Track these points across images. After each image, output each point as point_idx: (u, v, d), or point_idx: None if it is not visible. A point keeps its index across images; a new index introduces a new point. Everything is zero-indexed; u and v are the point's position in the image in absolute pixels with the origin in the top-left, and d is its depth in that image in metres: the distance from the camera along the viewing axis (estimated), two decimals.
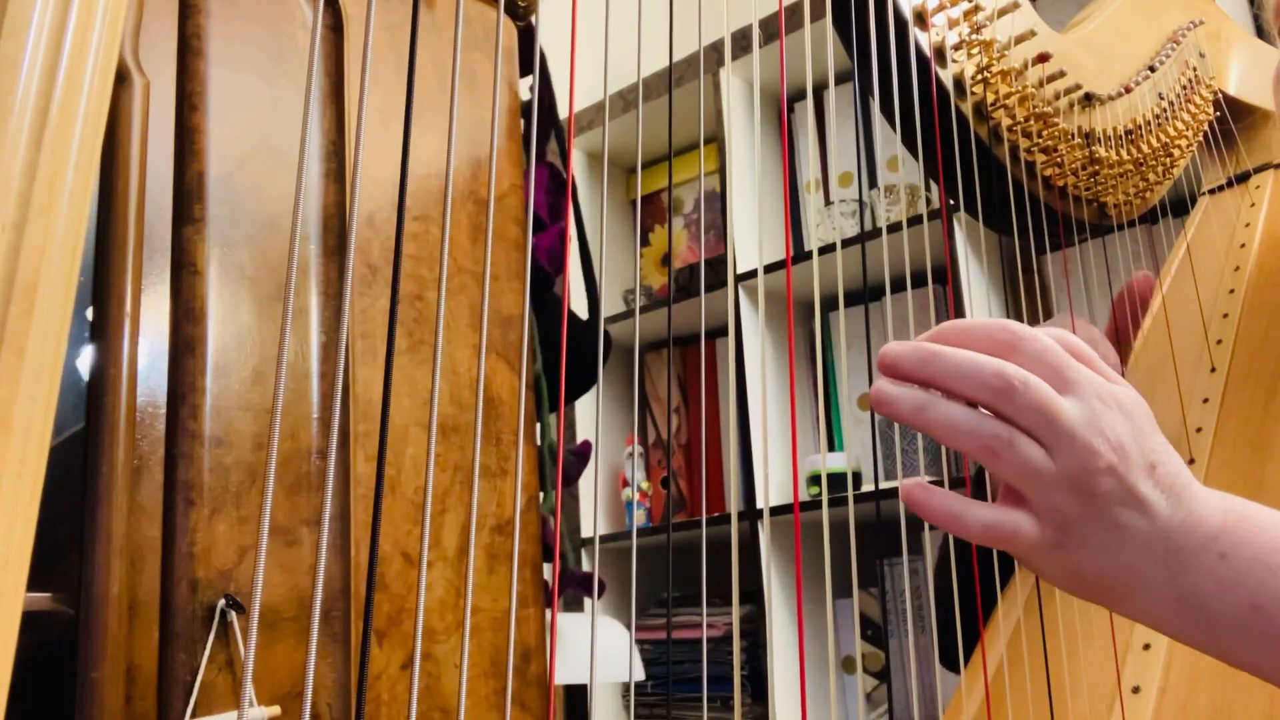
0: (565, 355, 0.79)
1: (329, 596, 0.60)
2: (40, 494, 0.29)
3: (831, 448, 1.87)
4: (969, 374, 0.43)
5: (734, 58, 1.95)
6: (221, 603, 0.55)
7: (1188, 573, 0.44)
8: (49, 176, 0.30)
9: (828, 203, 1.97)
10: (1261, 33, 1.55)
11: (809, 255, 1.84)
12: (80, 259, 0.31)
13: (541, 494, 0.78)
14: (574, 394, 0.85)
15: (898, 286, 1.47)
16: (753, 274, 1.88)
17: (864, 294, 1.78)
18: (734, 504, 0.51)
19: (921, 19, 0.79)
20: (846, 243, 1.80)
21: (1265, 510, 0.46)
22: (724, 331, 2.05)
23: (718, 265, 2.04)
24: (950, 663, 0.86)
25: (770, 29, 1.84)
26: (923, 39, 0.78)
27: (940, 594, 0.94)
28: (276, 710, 0.55)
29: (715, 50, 2.03)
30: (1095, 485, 0.43)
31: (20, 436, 0.29)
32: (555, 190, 0.84)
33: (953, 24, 0.81)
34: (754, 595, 1.77)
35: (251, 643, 0.30)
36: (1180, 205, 1.15)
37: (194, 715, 0.53)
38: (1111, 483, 0.43)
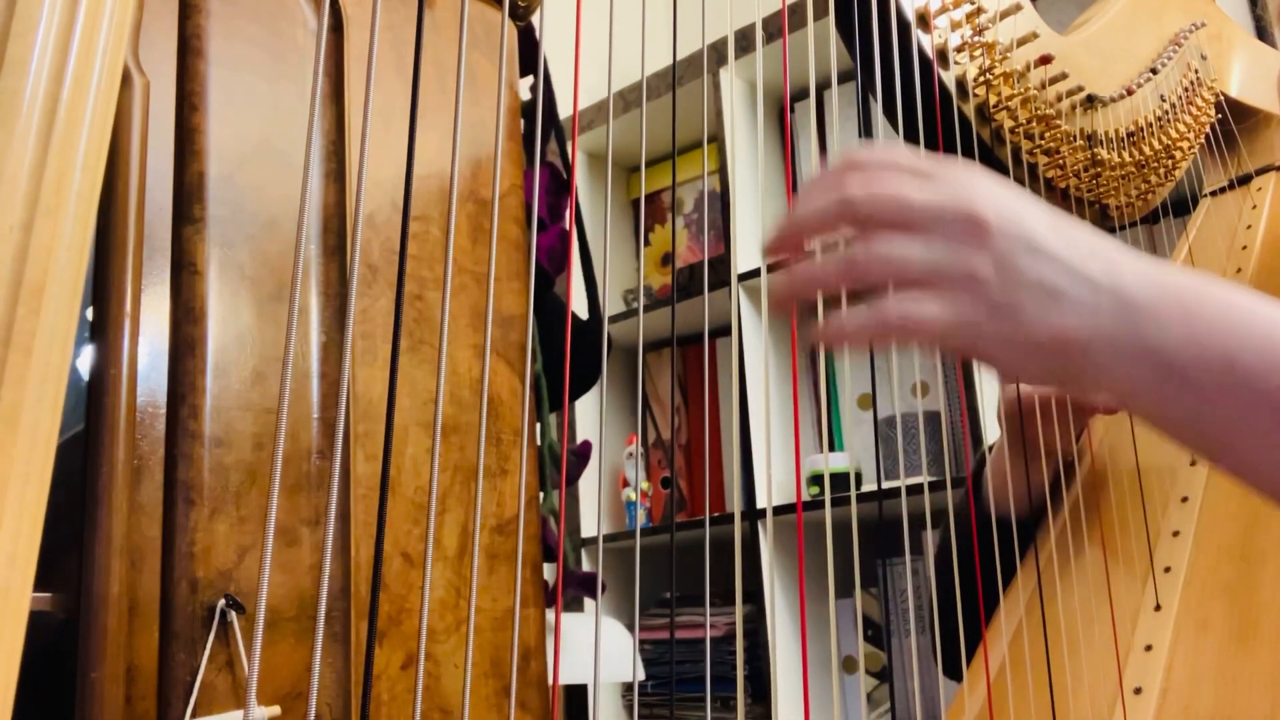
0: (562, 355, 0.79)
1: (329, 596, 0.60)
2: (47, 494, 0.30)
3: (831, 448, 1.87)
4: (817, 211, 0.43)
5: (735, 57, 1.95)
6: (221, 603, 0.55)
7: (1150, 324, 0.41)
8: (56, 178, 0.30)
9: None
10: (1263, 34, 1.54)
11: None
12: (87, 260, 0.31)
13: (541, 494, 0.78)
14: (574, 394, 0.85)
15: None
16: (753, 274, 1.88)
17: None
18: (737, 504, 0.51)
19: (924, 21, 0.79)
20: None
21: (1214, 279, 0.43)
22: (724, 331, 2.05)
23: (718, 265, 2.04)
24: (953, 672, 0.86)
25: (770, 29, 1.83)
26: (925, 41, 0.78)
27: (942, 602, 0.94)
28: (276, 710, 0.55)
29: (716, 50, 2.03)
30: (991, 242, 0.42)
31: (27, 436, 0.29)
32: (555, 190, 0.83)
33: (955, 26, 0.81)
34: (753, 595, 1.77)
35: (257, 643, 0.30)
36: (1181, 205, 1.15)
37: (194, 715, 0.53)
38: (1008, 236, 0.42)
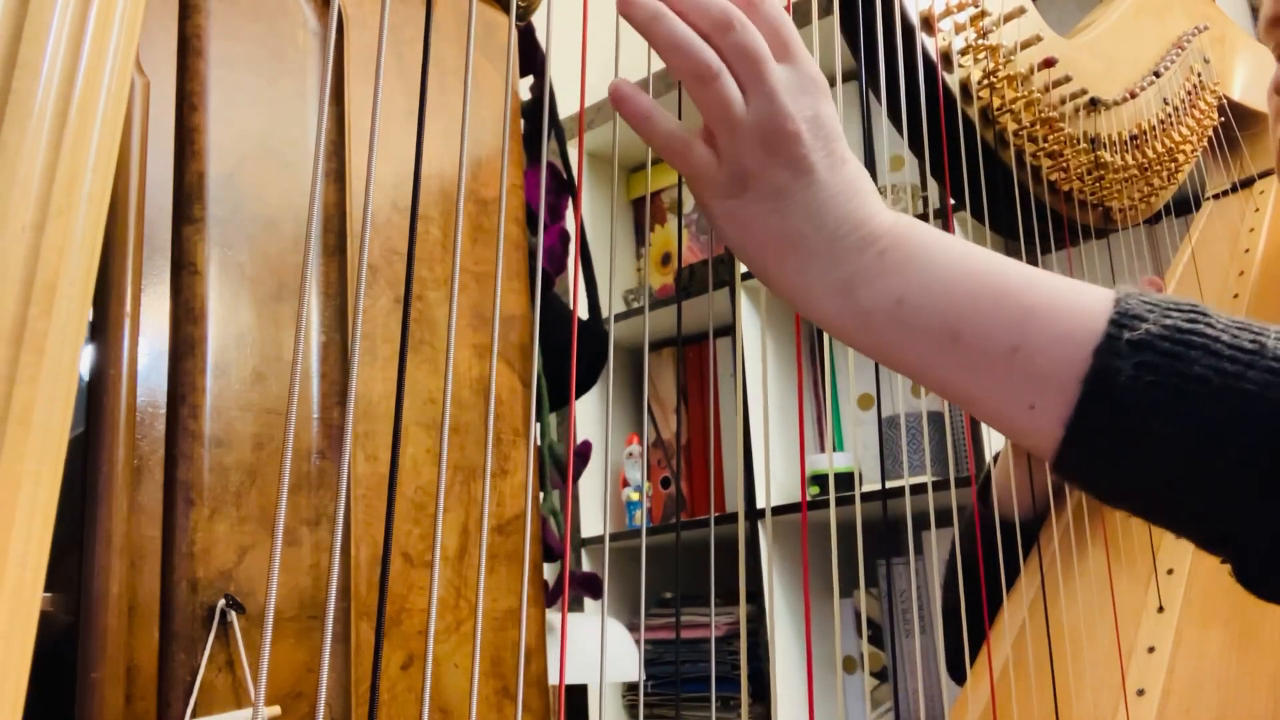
0: (565, 355, 0.79)
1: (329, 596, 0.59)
2: (58, 494, 0.30)
3: (832, 448, 1.87)
4: (700, 3, 0.46)
5: None
6: (221, 603, 0.55)
7: (846, 261, 0.46)
8: (68, 178, 0.30)
9: None
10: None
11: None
12: (98, 260, 0.31)
13: (542, 494, 0.78)
14: (575, 393, 0.84)
15: None
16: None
17: None
18: (740, 504, 0.51)
19: (928, 24, 0.79)
20: None
21: (938, 230, 0.48)
22: (724, 331, 2.05)
23: (718, 265, 2.04)
24: (958, 676, 0.86)
25: None
26: (929, 44, 0.78)
27: (948, 608, 0.94)
28: (276, 710, 0.55)
29: None
30: (778, 146, 0.46)
31: (39, 435, 0.29)
32: (555, 190, 0.83)
33: (959, 29, 0.81)
34: (752, 595, 1.77)
35: (267, 642, 0.30)
36: (1182, 205, 1.15)
37: (194, 715, 0.53)
38: (792, 149, 0.46)
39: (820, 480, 1.77)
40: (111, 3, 0.32)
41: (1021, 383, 0.43)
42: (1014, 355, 0.43)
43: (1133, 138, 0.94)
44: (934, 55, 0.79)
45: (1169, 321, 0.41)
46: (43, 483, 0.29)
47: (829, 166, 0.47)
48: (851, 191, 0.47)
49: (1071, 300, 0.44)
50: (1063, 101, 0.88)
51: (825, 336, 1.92)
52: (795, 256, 0.47)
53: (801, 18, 1.85)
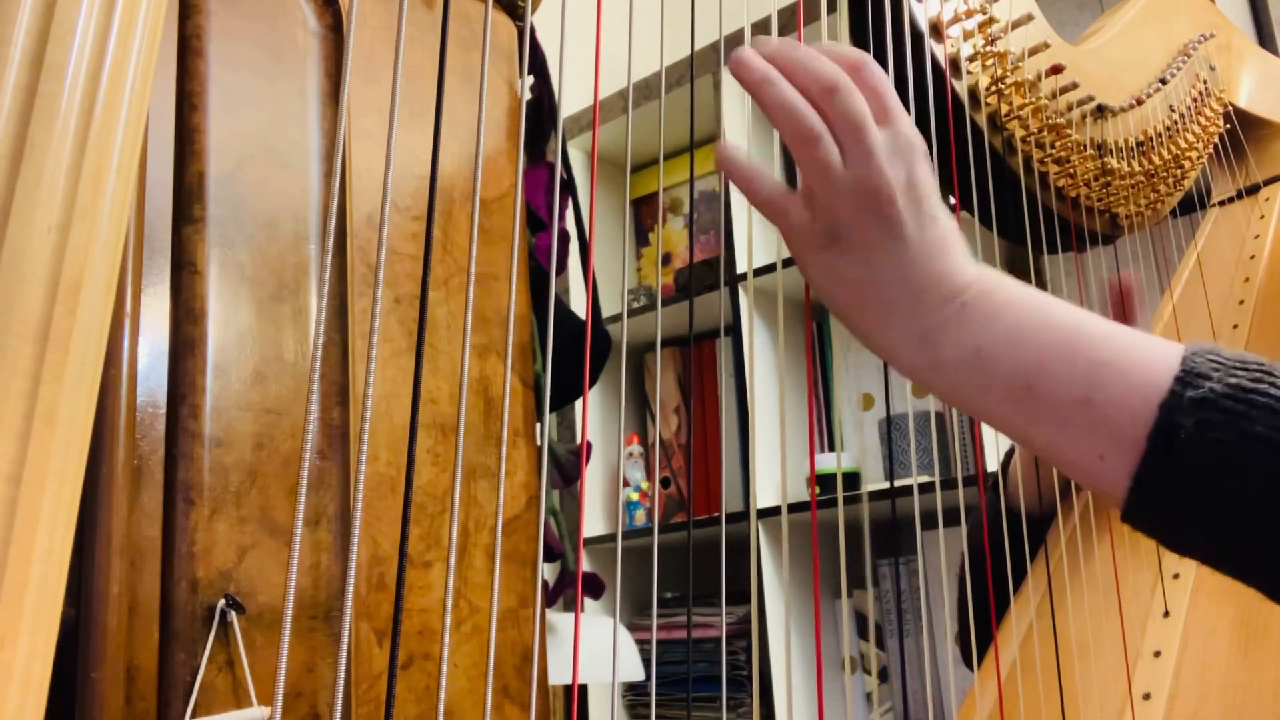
0: (564, 356, 0.79)
1: (330, 596, 0.59)
2: (80, 491, 0.30)
3: (832, 448, 1.87)
4: (809, 67, 0.49)
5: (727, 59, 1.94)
6: (221, 603, 0.55)
7: (929, 313, 0.48)
8: (92, 179, 0.31)
9: None
10: (1264, 41, 1.54)
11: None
12: (120, 260, 0.32)
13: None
14: (573, 395, 0.84)
15: None
16: (755, 273, 1.88)
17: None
18: (752, 504, 0.51)
19: (937, 31, 0.79)
20: None
21: (1019, 283, 0.49)
22: (723, 332, 2.05)
23: (716, 265, 2.04)
24: (971, 662, 0.87)
25: (769, 30, 1.83)
26: (938, 51, 0.78)
27: (961, 600, 0.95)
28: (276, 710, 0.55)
29: (716, 50, 2.02)
30: (871, 204, 0.48)
31: (64, 433, 0.29)
32: (554, 190, 0.83)
33: (967, 36, 0.81)
34: (750, 596, 1.77)
35: (284, 641, 0.30)
36: (1186, 205, 1.15)
37: (194, 715, 0.53)
38: (885, 208, 0.48)
39: (820, 480, 1.77)
40: (135, 5, 0.32)
41: (1092, 434, 0.45)
42: (1085, 408, 0.45)
43: (1139, 144, 0.94)
44: (943, 62, 0.79)
45: (1233, 380, 0.43)
46: (67, 480, 0.29)
47: (919, 226, 0.49)
48: (939, 249, 0.49)
49: (1142, 355, 0.45)
50: (1070, 108, 0.88)
51: (827, 337, 1.92)
52: (881, 308, 0.49)
53: (810, 14, 1.85)
